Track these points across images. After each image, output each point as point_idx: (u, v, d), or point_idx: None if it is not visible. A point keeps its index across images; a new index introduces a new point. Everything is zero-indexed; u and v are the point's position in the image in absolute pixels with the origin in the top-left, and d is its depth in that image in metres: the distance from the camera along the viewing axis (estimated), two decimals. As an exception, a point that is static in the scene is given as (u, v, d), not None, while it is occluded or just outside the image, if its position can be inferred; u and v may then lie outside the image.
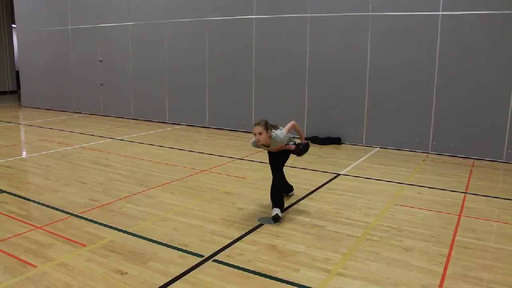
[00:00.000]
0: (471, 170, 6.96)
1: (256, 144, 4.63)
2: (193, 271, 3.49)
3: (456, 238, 4.22)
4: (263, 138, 4.41)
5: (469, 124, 7.74)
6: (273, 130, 4.54)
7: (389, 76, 8.38)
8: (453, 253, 3.88)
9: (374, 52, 8.47)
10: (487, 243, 4.11)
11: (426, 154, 8.02)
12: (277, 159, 4.82)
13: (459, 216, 4.84)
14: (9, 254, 3.75)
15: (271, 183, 4.80)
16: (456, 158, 7.75)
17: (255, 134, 4.42)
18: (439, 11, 7.76)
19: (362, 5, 8.47)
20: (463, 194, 5.67)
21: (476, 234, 4.33)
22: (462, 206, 5.18)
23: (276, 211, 4.58)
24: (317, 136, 9.12)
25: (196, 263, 3.62)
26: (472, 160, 7.60)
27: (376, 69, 8.49)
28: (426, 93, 8.04)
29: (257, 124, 4.45)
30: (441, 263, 3.68)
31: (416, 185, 6.03)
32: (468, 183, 6.18)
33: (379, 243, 4.08)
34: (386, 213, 4.88)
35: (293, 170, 6.76)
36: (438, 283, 3.34)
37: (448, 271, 3.53)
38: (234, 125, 10.45)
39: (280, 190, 4.81)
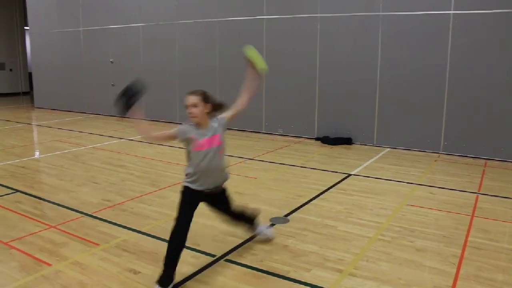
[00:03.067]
0: (484, 170, 6.91)
1: (183, 132, 3.37)
2: (206, 271, 3.51)
3: (469, 238, 4.20)
4: (198, 112, 3.28)
5: (481, 123, 7.68)
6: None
7: (400, 76, 8.34)
8: (466, 253, 3.86)
9: (385, 52, 8.44)
10: (500, 244, 4.08)
11: (438, 154, 7.98)
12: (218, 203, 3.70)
13: (472, 216, 4.81)
14: (24, 253, 3.81)
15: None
16: (468, 158, 7.70)
17: (187, 107, 3.29)
18: (450, 10, 7.71)
19: (372, 5, 8.45)
20: (476, 194, 5.63)
21: (489, 235, 4.30)
22: (475, 206, 5.14)
23: (263, 229, 4.09)
24: (328, 136, 9.11)
25: (208, 262, 3.65)
26: (484, 160, 7.54)
27: (387, 68, 8.46)
28: (437, 92, 8.00)
29: (191, 93, 3.33)
30: (453, 263, 3.66)
31: (428, 186, 6.00)
32: (480, 184, 6.13)
33: (391, 243, 4.08)
34: (398, 214, 4.87)
35: (304, 170, 6.77)
36: (451, 284, 3.33)
37: (461, 272, 3.52)
38: (244, 126, 10.46)
39: (238, 214, 3.89)
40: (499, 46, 7.42)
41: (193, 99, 3.29)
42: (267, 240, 4.08)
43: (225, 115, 3.52)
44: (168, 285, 3.20)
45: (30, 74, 17.72)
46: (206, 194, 3.47)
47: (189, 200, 3.47)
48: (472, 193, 5.66)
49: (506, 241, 4.18)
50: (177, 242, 3.30)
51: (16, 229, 4.35)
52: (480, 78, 7.61)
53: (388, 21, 8.34)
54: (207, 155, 3.36)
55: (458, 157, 7.81)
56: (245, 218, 3.94)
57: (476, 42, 7.59)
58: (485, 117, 7.63)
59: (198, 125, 3.37)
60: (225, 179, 3.62)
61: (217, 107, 3.43)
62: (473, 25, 7.58)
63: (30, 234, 4.21)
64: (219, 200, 3.64)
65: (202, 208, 4.94)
